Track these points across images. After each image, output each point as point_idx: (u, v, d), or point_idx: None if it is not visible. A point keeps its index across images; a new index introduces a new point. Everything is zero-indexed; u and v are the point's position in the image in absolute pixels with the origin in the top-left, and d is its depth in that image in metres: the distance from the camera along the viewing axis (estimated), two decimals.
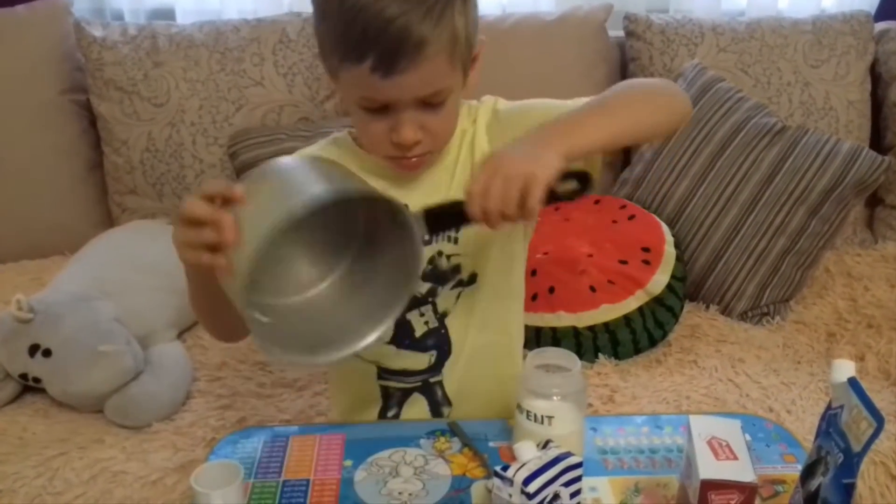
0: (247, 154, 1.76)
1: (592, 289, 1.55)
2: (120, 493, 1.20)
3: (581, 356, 1.52)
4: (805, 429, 1.30)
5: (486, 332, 1.10)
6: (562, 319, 1.53)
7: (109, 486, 1.21)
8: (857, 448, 0.76)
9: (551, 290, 1.55)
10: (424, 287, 1.08)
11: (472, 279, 1.09)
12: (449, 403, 1.12)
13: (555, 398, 0.93)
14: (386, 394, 1.13)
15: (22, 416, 1.35)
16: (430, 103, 0.94)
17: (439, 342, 1.10)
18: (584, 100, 1.00)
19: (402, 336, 1.10)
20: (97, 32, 1.82)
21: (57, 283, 1.50)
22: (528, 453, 0.85)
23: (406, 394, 1.12)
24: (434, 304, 1.09)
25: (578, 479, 0.86)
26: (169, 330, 1.51)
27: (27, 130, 1.83)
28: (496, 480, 0.84)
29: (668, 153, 1.81)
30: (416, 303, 1.08)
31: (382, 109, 0.94)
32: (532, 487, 0.81)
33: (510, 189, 0.84)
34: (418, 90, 0.92)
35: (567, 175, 0.89)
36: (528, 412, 0.94)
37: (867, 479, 1.24)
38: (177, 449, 1.26)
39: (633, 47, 2.00)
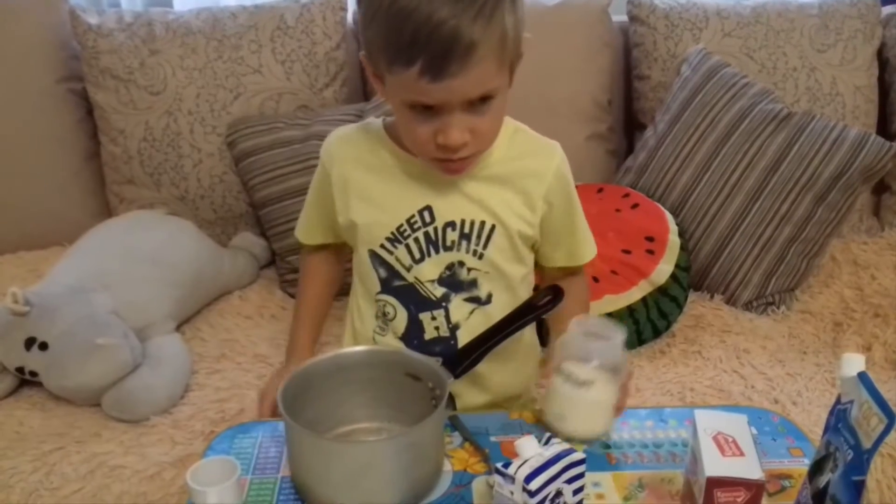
0: (245, 143, 1.73)
1: (595, 279, 1.53)
2: (118, 487, 1.19)
3: None
4: (811, 420, 1.29)
5: (493, 354, 1.09)
6: None
7: (107, 480, 1.19)
8: (867, 445, 0.74)
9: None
10: (439, 291, 1.10)
11: (489, 299, 1.11)
12: (454, 408, 1.11)
13: (594, 363, 0.96)
14: None
15: (18, 409, 1.34)
16: (477, 105, 0.94)
17: (447, 352, 1.10)
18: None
19: (412, 335, 1.12)
20: (92, 20, 1.79)
21: (53, 275, 1.48)
22: (530, 450, 0.84)
23: None
24: (447, 311, 1.10)
25: (581, 475, 0.85)
26: (167, 322, 1.49)
27: (23, 120, 1.80)
28: (497, 478, 0.83)
29: (672, 140, 1.79)
30: (430, 305, 1.10)
31: (430, 111, 0.94)
32: (534, 485, 0.80)
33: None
34: (468, 92, 0.92)
35: (544, 290, 1.07)
36: (567, 375, 0.96)
37: (874, 472, 1.22)
38: (175, 443, 1.25)
39: (636, 32, 1.97)
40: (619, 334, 0.98)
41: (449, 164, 1.00)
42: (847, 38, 1.92)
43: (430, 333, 1.12)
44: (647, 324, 1.54)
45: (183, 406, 1.34)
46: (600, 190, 1.75)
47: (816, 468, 0.82)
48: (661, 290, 1.56)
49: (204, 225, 1.79)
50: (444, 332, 1.11)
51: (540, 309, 1.06)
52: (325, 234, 1.17)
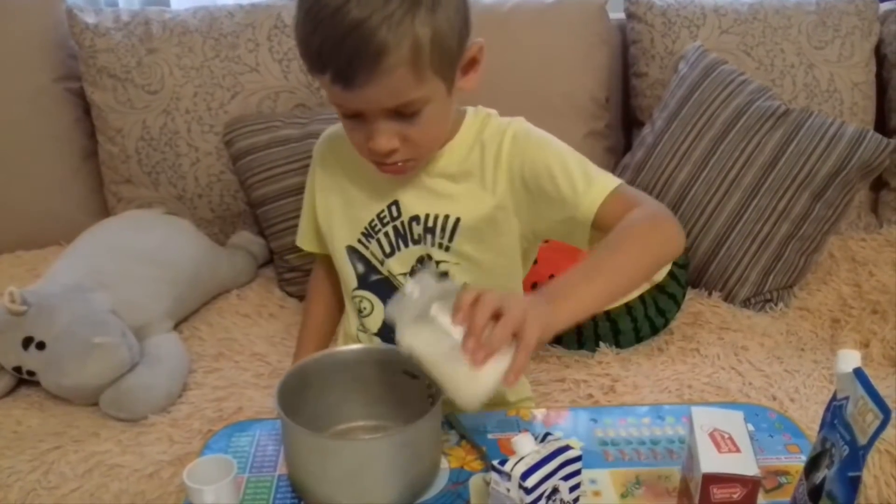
0: (243, 142, 1.73)
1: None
2: (115, 486, 1.19)
3: (582, 345, 1.52)
4: (809, 417, 1.29)
5: None
6: None
7: (105, 479, 1.19)
8: (862, 441, 0.74)
9: (551, 278, 1.53)
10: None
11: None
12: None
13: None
14: None
15: (16, 409, 1.34)
16: (403, 114, 0.93)
17: None
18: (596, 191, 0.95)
19: (389, 329, 1.05)
20: (90, 19, 1.79)
21: (51, 274, 1.48)
22: (526, 447, 0.83)
23: None
24: None
25: (578, 472, 0.85)
26: (165, 321, 1.49)
27: (21, 120, 1.80)
28: (494, 475, 0.83)
29: (669, 137, 1.79)
30: None
31: (358, 117, 0.95)
32: (530, 482, 0.80)
33: (507, 315, 0.77)
34: (383, 102, 0.92)
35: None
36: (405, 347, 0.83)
37: (871, 468, 1.22)
38: (173, 441, 1.25)
39: (634, 29, 1.97)
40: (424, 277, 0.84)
41: (387, 168, 1.00)
42: (845, 35, 1.92)
43: None
44: (645, 321, 1.54)
45: (181, 405, 1.34)
46: None
47: (812, 464, 0.82)
48: (659, 288, 1.56)
49: (202, 224, 1.79)
50: None
51: None
52: (322, 240, 1.17)
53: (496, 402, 1.16)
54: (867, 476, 1.21)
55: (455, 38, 0.93)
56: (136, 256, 1.53)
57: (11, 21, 1.82)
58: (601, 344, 1.52)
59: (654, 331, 1.56)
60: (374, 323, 1.12)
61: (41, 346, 1.32)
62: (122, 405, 1.30)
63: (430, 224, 1.06)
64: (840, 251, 1.79)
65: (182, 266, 1.57)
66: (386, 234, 1.08)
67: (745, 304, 1.66)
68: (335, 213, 1.11)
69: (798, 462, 0.96)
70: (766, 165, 1.68)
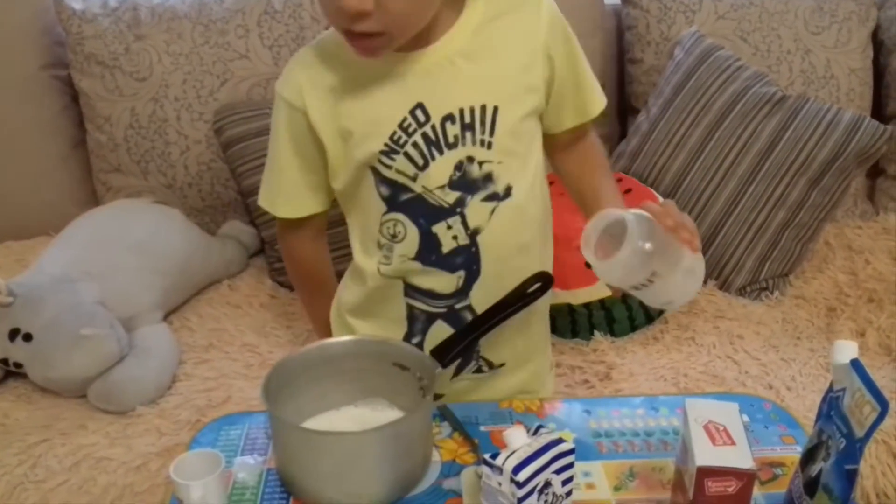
0: (233, 129, 1.71)
1: (588, 265, 1.50)
2: (104, 479, 1.17)
3: (576, 334, 1.51)
4: (805, 406, 1.28)
5: (523, 255, 1.03)
6: (557, 297, 1.49)
7: (93, 472, 1.18)
8: (859, 433, 0.73)
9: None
10: (451, 197, 0.99)
11: (508, 192, 1.00)
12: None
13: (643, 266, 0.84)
14: (411, 315, 1.06)
15: (3, 402, 1.32)
16: None
17: (468, 261, 1.01)
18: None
19: (428, 251, 1.01)
20: (77, 5, 1.76)
21: (38, 264, 1.46)
22: (518, 440, 0.82)
23: (431, 318, 1.05)
24: (463, 217, 0.99)
25: (570, 465, 0.84)
26: (154, 312, 1.47)
27: (7, 108, 1.78)
28: (485, 469, 0.82)
29: (664, 125, 1.77)
30: (443, 214, 0.99)
31: None
32: (522, 476, 0.79)
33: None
34: None
35: (532, 277, 1.02)
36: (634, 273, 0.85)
37: (868, 458, 1.21)
38: (161, 433, 1.24)
39: (629, 15, 1.95)
40: (623, 222, 0.83)
41: (356, 42, 0.89)
42: (842, 20, 1.90)
43: (447, 245, 1.00)
44: (640, 310, 1.53)
45: (170, 396, 1.33)
46: None
47: (808, 456, 0.81)
48: None
49: (192, 213, 1.77)
50: (464, 241, 1.00)
51: (529, 296, 1.04)
52: (314, 199, 1.06)
53: (527, 347, 1.13)
54: (864, 466, 1.20)
55: None
56: (124, 246, 1.51)
57: None
58: (596, 332, 1.50)
59: (649, 319, 1.55)
60: (410, 247, 1.01)
61: (28, 337, 1.30)
62: (111, 398, 1.29)
63: (468, 120, 0.96)
64: (836, 239, 1.78)
65: (172, 256, 1.55)
66: (415, 145, 0.96)
67: (741, 292, 1.65)
68: (345, 139, 0.98)
69: (793, 453, 0.95)
70: (763, 152, 1.67)
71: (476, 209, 0.99)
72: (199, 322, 1.54)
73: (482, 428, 1.01)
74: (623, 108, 2.04)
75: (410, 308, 1.06)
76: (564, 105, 1.04)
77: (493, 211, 0.99)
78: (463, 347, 1.01)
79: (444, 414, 1.03)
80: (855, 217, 1.89)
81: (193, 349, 1.45)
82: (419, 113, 0.95)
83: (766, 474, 0.93)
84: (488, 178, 0.98)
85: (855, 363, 0.76)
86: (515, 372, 1.12)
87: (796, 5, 1.90)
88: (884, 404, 0.71)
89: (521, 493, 0.79)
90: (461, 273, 1.02)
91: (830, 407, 0.79)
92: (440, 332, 1.05)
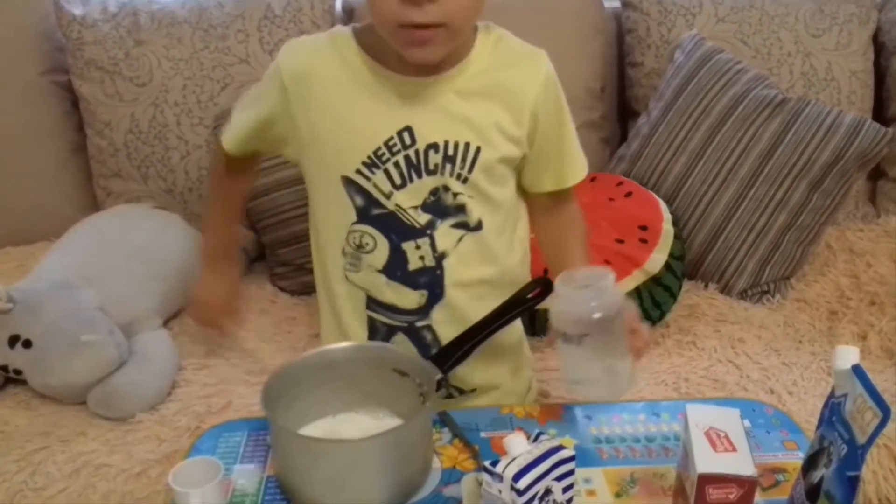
0: None
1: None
2: (103, 486, 1.17)
3: None
4: (807, 411, 1.28)
5: (486, 288, 1.06)
6: None
7: (92, 479, 1.17)
8: (861, 440, 0.73)
9: (546, 271, 1.51)
10: (423, 218, 1.02)
11: (479, 226, 1.04)
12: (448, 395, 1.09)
13: (585, 315, 0.89)
14: (372, 326, 1.09)
15: (3, 409, 1.31)
16: None
17: (432, 283, 1.05)
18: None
19: (395, 266, 1.04)
20: (77, 10, 1.76)
21: (38, 270, 1.46)
22: (518, 447, 0.82)
23: (391, 331, 1.09)
24: (432, 239, 1.03)
25: (571, 472, 0.83)
26: (154, 318, 1.47)
27: (7, 113, 1.78)
28: (486, 476, 0.81)
29: (665, 127, 1.77)
30: (413, 233, 1.03)
31: None
32: (522, 483, 0.78)
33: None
34: None
35: (532, 282, 1.04)
36: (563, 335, 0.91)
37: (870, 463, 1.21)
38: (161, 440, 1.23)
39: (629, 18, 1.95)
40: (607, 277, 0.91)
41: (415, 34, 0.91)
42: (842, 23, 1.90)
43: (414, 264, 1.04)
44: (641, 314, 1.52)
45: (170, 403, 1.32)
46: (593, 178, 1.73)
47: (810, 463, 0.80)
48: (655, 280, 1.54)
49: (192, 218, 1.76)
50: (430, 262, 1.04)
51: (529, 302, 1.04)
52: (256, 147, 1.12)
53: (491, 376, 1.15)
54: (866, 471, 1.19)
55: None
56: (124, 252, 1.51)
57: None
58: None
59: (651, 323, 1.54)
60: (379, 259, 1.04)
61: (27, 344, 1.30)
62: (111, 404, 1.28)
63: (451, 152, 1.00)
64: (838, 242, 1.77)
65: (171, 261, 1.55)
66: (396, 164, 1.00)
67: (742, 295, 1.65)
68: (326, 140, 1.01)
69: (795, 459, 0.94)
70: (764, 155, 1.66)
71: (445, 233, 1.03)
72: (198, 328, 1.53)
73: (482, 434, 1.00)
74: (624, 112, 2.04)
75: (372, 320, 1.09)
76: (544, 167, 1.07)
77: (460, 238, 1.04)
78: (463, 353, 1.01)
79: (444, 420, 1.02)
80: (856, 220, 1.88)
81: (193, 355, 1.44)
82: (406, 135, 0.99)
83: (767, 480, 0.92)
84: (460, 208, 1.03)
85: (856, 369, 0.75)
86: (489, 393, 1.15)
87: (797, 8, 1.90)
88: (886, 410, 0.70)
89: (521, 500, 0.78)
90: (424, 292, 1.06)
91: (832, 413, 0.78)
92: (401, 344, 1.08)
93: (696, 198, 1.70)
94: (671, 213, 1.65)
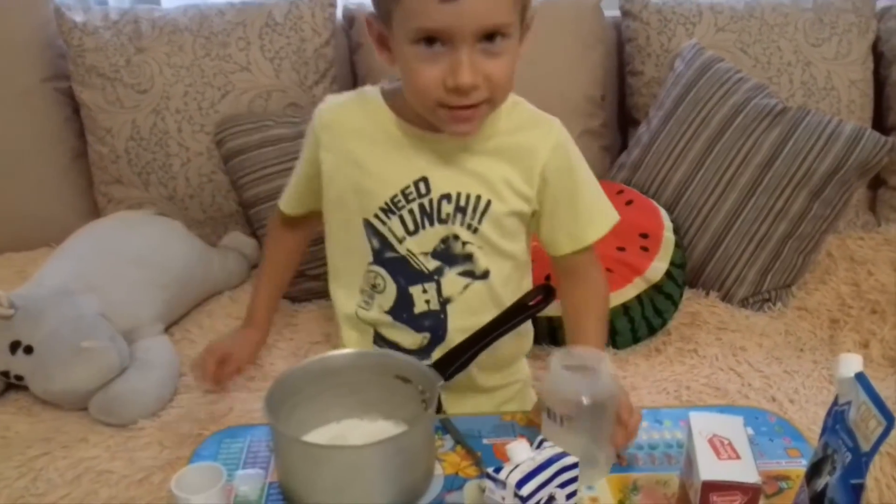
0: (234, 141, 1.71)
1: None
2: (105, 492, 1.16)
3: None
4: (809, 418, 1.27)
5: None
6: (559, 309, 1.49)
7: (94, 486, 1.17)
8: (865, 447, 0.73)
9: (547, 278, 1.51)
10: (432, 264, 1.07)
11: (485, 275, 1.09)
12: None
13: (574, 399, 0.90)
14: None
15: (4, 414, 1.31)
16: (489, 44, 0.92)
17: (436, 326, 1.09)
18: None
19: (402, 308, 1.09)
20: (78, 18, 1.77)
21: (39, 276, 1.46)
22: (521, 454, 0.82)
23: None
24: (439, 284, 1.08)
25: (574, 479, 0.83)
26: (155, 324, 1.47)
27: (8, 120, 1.78)
28: (488, 482, 0.81)
29: (666, 136, 1.77)
30: (421, 278, 1.07)
31: (439, 50, 0.92)
32: (526, 490, 0.78)
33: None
34: (480, 17, 0.90)
35: (534, 290, 1.07)
36: (548, 412, 0.92)
37: (873, 471, 1.20)
38: (163, 446, 1.23)
39: (629, 27, 1.96)
40: (602, 362, 0.92)
41: (458, 113, 0.96)
42: (842, 32, 1.91)
43: (419, 307, 1.09)
44: (643, 321, 1.52)
45: (171, 409, 1.32)
46: None
47: (814, 471, 0.80)
48: (657, 288, 1.54)
49: (193, 225, 1.76)
50: (435, 306, 1.09)
51: (531, 309, 1.04)
52: (308, 203, 1.17)
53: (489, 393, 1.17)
54: (869, 479, 1.19)
55: None
56: (125, 258, 1.51)
57: None
58: None
59: (652, 331, 1.54)
60: (387, 300, 1.10)
61: (29, 350, 1.30)
62: (112, 410, 1.28)
63: (462, 203, 1.05)
64: (838, 250, 1.77)
65: (173, 268, 1.55)
66: (410, 212, 1.05)
67: (743, 303, 1.65)
68: (348, 186, 1.07)
69: (799, 466, 0.94)
70: (764, 164, 1.67)
71: (452, 280, 1.08)
72: (200, 334, 1.53)
73: (485, 441, 1.00)
74: (624, 120, 2.05)
75: None
76: (558, 228, 1.10)
77: (466, 286, 1.09)
78: (465, 360, 1.01)
79: (446, 427, 1.02)
80: (857, 228, 1.89)
81: None
82: (422, 185, 1.05)
83: (771, 488, 0.92)
84: (468, 257, 1.07)
85: (860, 377, 0.75)
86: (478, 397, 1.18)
87: (796, 17, 1.90)
88: (890, 418, 0.70)
89: None
90: (426, 335, 1.10)
91: (836, 421, 0.78)
92: None
93: (696, 206, 1.70)
94: (672, 221, 1.65)
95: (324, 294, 1.50)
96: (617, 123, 2.05)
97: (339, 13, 1.90)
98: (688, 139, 1.74)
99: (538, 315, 1.47)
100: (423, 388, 0.95)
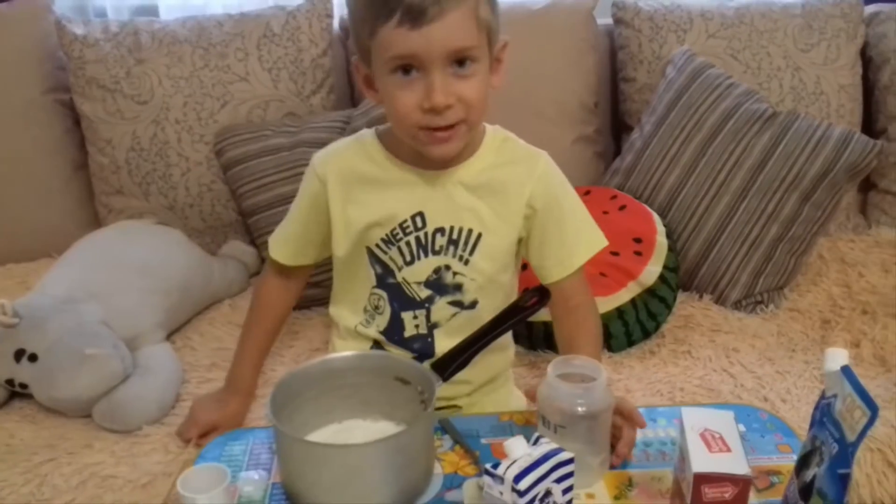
0: (233, 151, 1.74)
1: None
2: (110, 497, 1.18)
3: None
4: (800, 417, 1.29)
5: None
6: None
7: (98, 490, 1.19)
8: (851, 438, 0.75)
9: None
10: (424, 293, 1.14)
11: (473, 305, 1.15)
12: None
13: (569, 409, 0.92)
14: None
15: (9, 422, 1.33)
16: (459, 68, 0.98)
17: (423, 349, 1.16)
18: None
19: (394, 331, 1.16)
20: (78, 30, 1.79)
21: (42, 286, 1.48)
22: (518, 450, 0.84)
23: None
24: (428, 311, 1.14)
25: (570, 475, 0.85)
26: (157, 331, 1.49)
27: (10, 131, 1.80)
28: (487, 478, 0.83)
29: (658, 141, 1.80)
30: (413, 305, 1.14)
31: (413, 76, 0.98)
32: (523, 485, 0.80)
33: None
34: (447, 41, 0.96)
35: (530, 291, 1.09)
36: (543, 420, 0.94)
37: (864, 466, 1.23)
38: (167, 451, 1.25)
39: (621, 35, 1.98)
40: (599, 376, 0.94)
41: (437, 134, 1.02)
42: (830, 38, 1.94)
43: (409, 331, 1.16)
44: (637, 325, 1.55)
45: (174, 416, 1.33)
46: (587, 192, 1.76)
47: (803, 463, 0.82)
48: (650, 291, 1.56)
49: (193, 234, 1.78)
50: (423, 331, 1.16)
51: (526, 310, 1.07)
52: (310, 253, 1.21)
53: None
54: (860, 475, 1.22)
55: (497, 9, 1.02)
56: (127, 267, 1.52)
57: (0, 33, 1.82)
58: None
59: (646, 334, 1.56)
60: (383, 322, 1.16)
61: (33, 358, 1.32)
62: (115, 417, 1.30)
63: (455, 236, 1.11)
64: (829, 252, 1.80)
65: (173, 276, 1.57)
66: (407, 244, 1.12)
67: (736, 306, 1.67)
68: (353, 224, 1.12)
69: (789, 461, 0.96)
70: (755, 168, 1.69)
71: (441, 308, 1.14)
72: (201, 341, 1.55)
73: (483, 441, 1.02)
74: (617, 126, 2.07)
75: None
76: (548, 255, 1.14)
77: (454, 315, 1.15)
78: (462, 361, 1.03)
79: (445, 427, 1.04)
80: (848, 231, 1.92)
81: (196, 368, 1.46)
82: (418, 219, 1.11)
83: (763, 482, 0.94)
84: (458, 287, 1.13)
85: (845, 370, 0.78)
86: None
87: (785, 23, 1.93)
88: (874, 408, 0.72)
89: (522, 501, 0.80)
90: (415, 356, 1.15)
91: (823, 413, 0.80)
92: None
93: (689, 210, 1.73)
94: (665, 225, 1.68)
95: (324, 301, 1.53)
96: (610, 129, 2.08)
97: (335, 24, 1.92)
98: (680, 144, 1.77)
99: (534, 321, 1.52)
100: (423, 388, 0.97)
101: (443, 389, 1.10)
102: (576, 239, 1.15)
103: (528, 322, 1.49)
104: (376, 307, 1.17)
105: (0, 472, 1.21)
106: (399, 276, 1.13)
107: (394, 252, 1.12)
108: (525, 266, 1.20)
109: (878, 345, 1.52)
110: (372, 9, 0.97)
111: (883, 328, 1.55)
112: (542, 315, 1.50)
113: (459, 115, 1.01)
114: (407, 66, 0.98)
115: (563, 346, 1.18)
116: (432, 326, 1.15)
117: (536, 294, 1.08)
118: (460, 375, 1.13)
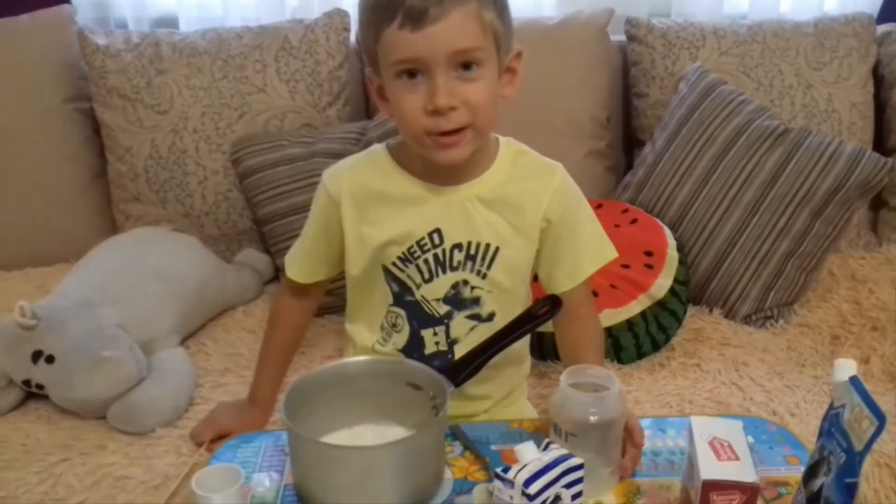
0: (250, 161, 1.76)
1: (595, 293, 1.54)
2: (123, 498, 1.19)
3: None
4: (809, 432, 1.29)
5: (491, 370, 1.12)
6: None
7: (112, 491, 1.20)
8: (858, 447, 0.76)
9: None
10: (443, 309, 1.14)
11: (491, 317, 1.15)
12: None
13: (581, 419, 0.93)
14: None
15: (25, 422, 1.35)
16: (465, 71, 0.98)
17: (444, 365, 1.13)
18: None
19: (413, 349, 1.16)
20: (100, 41, 1.83)
21: (60, 289, 1.50)
22: (529, 455, 0.85)
23: None
24: (448, 327, 1.14)
25: (580, 480, 0.86)
26: (172, 336, 1.51)
27: (31, 139, 1.83)
28: (497, 482, 0.84)
29: (670, 157, 1.81)
30: (433, 322, 1.14)
31: (418, 80, 0.98)
32: (533, 489, 0.82)
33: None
34: (449, 42, 0.96)
35: (541, 300, 1.11)
36: (555, 429, 0.95)
37: (872, 481, 1.23)
38: (180, 454, 1.26)
39: (634, 51, 2.00)
40: (612, 386, 0.95)
41: (444, 139, 1.01)
42: (842, 56, 1.95)
43: (430, 348, 1.16)
44: (647, 337, 1.55)
45: (187, 419, 1.35)
46: (599, 206, 1.77)
47: (811, 472, 0.83)
48: (660, 304, 1.57)
49: (208, 241, 1.81)
50: (443, 347, 1.16)
51: (538, 318, 1.08)
52: (324, 270, 1.21)
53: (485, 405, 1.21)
54: (867, 489, 1.22)
55: (508, 17, 1.02)
56: (143, 273, 1.55)
57: (23, 42, 1.86)
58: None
59: (656, 347, 1.57)
60: (402, 339, 1.16)
61: (50, 359, 1.34)
62: (130, 419, 1.32)
63: (472, 252, 1.11)
64: (840, 269, 1.80)
65: (189, 282, 1.59)
66: (425, 261, 1.11)
67: (746, 320, 1.68)
68: (369, 242, 1.12)
69: (798, 473, 0.96)
70: (766, 184, 1.70)
71: (459, 323, 1.14)
72: (214, 347, 1.57)
73: (493, 447, 1.04)
74: (629, 141, 2.09)
75: None
76: (559, 266, 1.15)
77: (472, 328, 1.15)
78: (475, 368, 1.05)
79: (455, 433, 1.05)
80: (858, 248, 1.92)
81: (210, 373, 1.48)
82: (435, 236, 1.11)
83: (771, 493, 0.95)
84: (476, 301, 1.13)
85: (853, 380, 0.79)
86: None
87: (798, 42, 1.95)
88: (881, 418, 0.73)
89: None
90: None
91: (831, 424, 0.81)
92: None
93: (700, 225, 1.74)
94: (676, 239, 1.69)
95: (336, 309, 1.55)
96: (622, 144, 2.10)
97: (352, 37, 1.95)
98: (692, 159, 1.78)
99: (545, 331, 1.53)
100: (434, 394, 0.98)
101: (463, 406, 1.13)
102: (586, 250, 1.15)
103: (539, 333, 1.50)
104: (394, 325, 1.16)
105: (15, 472, 1.23)
106: (418, 294, 1.13)
107: (412, 270, 1.12)
108: (535, 277, 1.21)
109: (887, 361, 1.52)
110: (376, 13, 0.98)
111: (893, 344, 1.55)
112: (552, 326, 1.52)
113: (465, 119, 1.00)
114: (412, 70, 0.98)
115: (567, 354, 1.19)
116: (452, 342, 1.15)
117: (548, 303, 1.09)
118: (480, 391, 1.15)
